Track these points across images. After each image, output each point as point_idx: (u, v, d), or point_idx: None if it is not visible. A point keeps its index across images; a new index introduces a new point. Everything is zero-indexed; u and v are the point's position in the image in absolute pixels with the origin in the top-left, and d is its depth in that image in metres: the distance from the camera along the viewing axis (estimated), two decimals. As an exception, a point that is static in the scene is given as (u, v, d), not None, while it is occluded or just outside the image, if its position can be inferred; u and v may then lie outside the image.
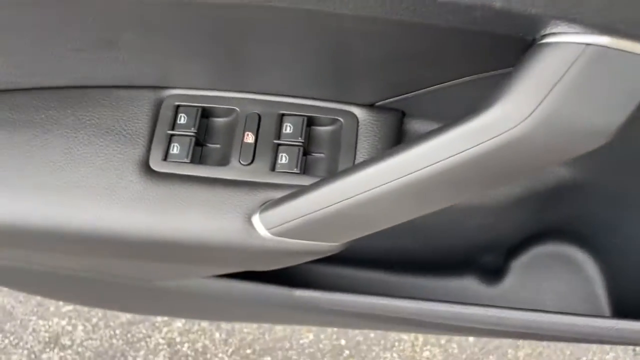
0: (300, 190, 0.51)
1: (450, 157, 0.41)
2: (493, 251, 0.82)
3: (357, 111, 0.57)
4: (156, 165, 0.55)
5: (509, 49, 0.40)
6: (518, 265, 0.82)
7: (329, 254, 0.56)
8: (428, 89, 0.52)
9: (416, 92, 0.53)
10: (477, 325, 0.70)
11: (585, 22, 0.33)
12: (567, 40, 0.34)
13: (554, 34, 0.35)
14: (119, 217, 0.54)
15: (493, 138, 0.38)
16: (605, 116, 0.36)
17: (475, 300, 0.81)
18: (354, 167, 0.48)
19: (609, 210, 0.73)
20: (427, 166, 0.42)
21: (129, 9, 0.44)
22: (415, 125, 0.60)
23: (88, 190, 0.54)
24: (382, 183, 0.45)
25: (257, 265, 0.63)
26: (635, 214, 0.72)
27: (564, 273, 0.81)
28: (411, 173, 0.43)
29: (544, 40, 0.35)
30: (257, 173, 0.55)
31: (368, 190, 0.45)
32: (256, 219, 0.53)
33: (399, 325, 0.83)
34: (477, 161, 0.40)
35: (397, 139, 0.58)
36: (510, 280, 0.82)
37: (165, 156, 0.56)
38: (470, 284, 0.83)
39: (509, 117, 0.37)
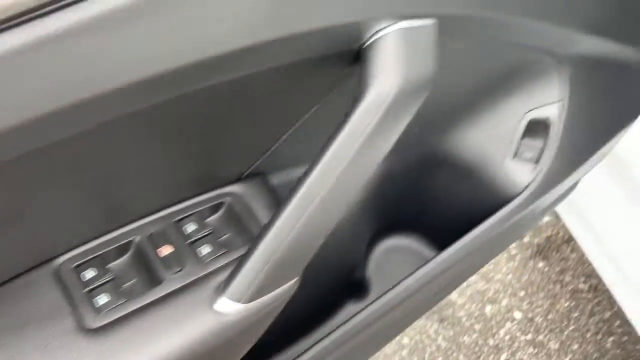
0: (242, 257, 0.54)
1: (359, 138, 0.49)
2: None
3: (233, 189, 0.63)
4: (94, 322, 0.53)
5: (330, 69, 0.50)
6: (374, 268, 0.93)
7: (292, 293, 0.60)
8: (280, 140, 0.61)
9: (273, 147, 0.61)
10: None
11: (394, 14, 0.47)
12: (388, 31, 0.47)
13: (377, 31, 0.47)
14: None
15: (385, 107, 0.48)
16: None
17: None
18: (286, 204, 0.51)
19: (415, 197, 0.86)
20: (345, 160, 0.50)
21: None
22: (279, 178, 0.67)
23: None
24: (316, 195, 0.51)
25: (246, 342, 0.62)
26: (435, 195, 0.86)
27: (411, 259, 0.91)
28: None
29: (372, 39, 0.47)
30: (192, 272, 0.57)
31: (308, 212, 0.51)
32: (222, 302, 0.55)
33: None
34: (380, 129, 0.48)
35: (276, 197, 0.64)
36: (375, 288, 0.92)
37: (98, 310, 0.54)
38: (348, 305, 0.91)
39: (386, 92, 0.47)
